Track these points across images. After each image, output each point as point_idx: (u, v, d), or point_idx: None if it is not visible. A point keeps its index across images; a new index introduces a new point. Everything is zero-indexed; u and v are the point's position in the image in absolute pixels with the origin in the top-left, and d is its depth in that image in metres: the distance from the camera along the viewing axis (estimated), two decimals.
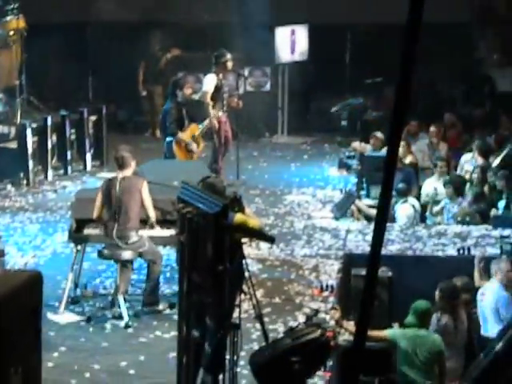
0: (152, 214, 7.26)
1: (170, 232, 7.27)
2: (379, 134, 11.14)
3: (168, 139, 10.06)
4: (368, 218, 9.72)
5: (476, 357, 6.54)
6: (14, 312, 4.61)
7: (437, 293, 6.86)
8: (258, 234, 6.22)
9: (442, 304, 6.82)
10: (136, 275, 7.93)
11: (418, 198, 10.18)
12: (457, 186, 9.74)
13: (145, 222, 7.33)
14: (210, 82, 10.35)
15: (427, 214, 10.06)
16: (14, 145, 11.24)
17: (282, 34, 14.10)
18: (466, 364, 6.78)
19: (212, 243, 5.07)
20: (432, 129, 11.61)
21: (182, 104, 10.10)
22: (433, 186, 10.22)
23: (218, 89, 10.32)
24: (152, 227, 7.32)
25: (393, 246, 8.59)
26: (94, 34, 14.44)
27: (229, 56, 10.44)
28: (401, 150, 10.27)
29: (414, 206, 9.84)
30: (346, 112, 12.90)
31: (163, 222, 7.36)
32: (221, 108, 10.36)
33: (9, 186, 10.97)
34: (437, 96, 14.32)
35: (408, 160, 10.78)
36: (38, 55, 12.06)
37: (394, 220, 9.58)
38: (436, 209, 9.98)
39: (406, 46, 2.72)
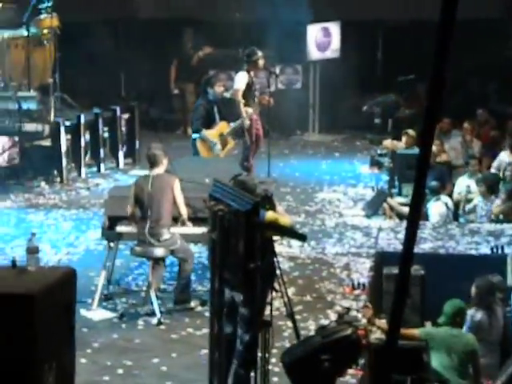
0: (184, 212, 7.28)
1: (201, 229, 7.29)
2: (411, 132, 11.07)
3: (193, 136, 10.11)
4: (400, 216, 9.66)
5: (510, 355, 6.48)
6: (48, 308, 4.66)
7: (473, 289, 6.80)
8: (290, 232, 6.22)
9: (478, 300, 6.76)
10: (168, 272, 7.97)
11: (451, 195, 10.10)
12: (490, 184, 9.65)
13: (176, 220, 7.36)
14: (241, 79, 10.36)
15: (460, 212, 9.98)
16: (47, 143, 11.34)
17: (314, 32, 14.07)
18: (501, 361, 6.72)
19: (243, 241, 5.08)
20: (465, 126, 11.51)
21: (213, 102, 10.11)
22: (465, 184, 10.15)
23: (249, 86, 10.32)
24: (183, 224, 7.34)
25: (425, 245, 8.52)
26: (126, 32, 14.52)
27: (260, 54, 10.43)
28: (434, 147, 10.22)
29: (446, 204, 9.77)
30: (379, 109, 12.82)
31: (195, 220, 7.39)
32: (252, 106, 10.36)
33: (43, 184, 11.08)
34: (469, 93, 14.18)
35: (441, 158, 10.71)
36: (72, 53, 12.15)
37: (427, 218, 9.51)
38: (469, 207, 9.90)
39: (439, 43, 2.70)
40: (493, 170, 10.49)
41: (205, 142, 9.97)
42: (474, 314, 6.72)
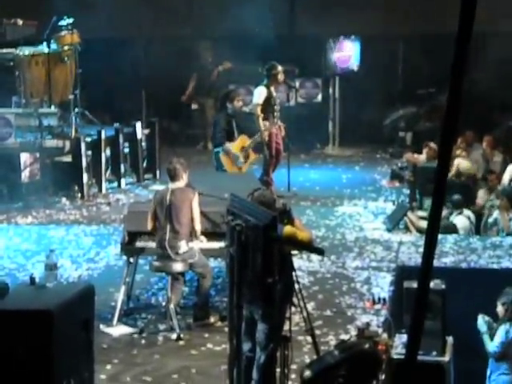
0: (198, 227, 7.25)
1: (220, 244, 7.26)
2: (433, 144, 11.02)
3: (216, 149, 10.14)
4: (420, 231, 9.60)
5: None
6: (67, 324, 4.66)
7: (499, 307, 6.68)
8: (307, 246, 6.18)
9: (510, 314, 6.63)
10: (188, 287, 7.96)
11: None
12: (510, 197, 9.57)
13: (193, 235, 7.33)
14: (260, 94, 10.37)
15: (482, 225, 9.90)
16: (68, 158, 11.39)
17: (334, 46, 14.06)
18: None
19: (261, 256, 5.06)
20: (486, 139, 11.44)
21: (232, 116, 10.15)
22: (486, 197, 10.08)
23: (268, 101, 10.34)
24: (197, 239, 7.30)
25: (447, 258, 8.46)
26: (146, 48, 14.60)
27: (280, 68, 10.46)
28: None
29: (469, 218, 9.70)
30: (403, 123, 12.79)
31: (213, 234, 7.36)
32: (272, 120, 10.36)
33: (63, 199, 11.12)
34: (491, 104, 14.09)
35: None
36: (92, 69, 12.22)
37: (455, 231, 9.42)
38: (489, 221, 9.82)
39: (457, 55, 2.68)
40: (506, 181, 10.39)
41: (228, 155, 10.03)
42: (508, 330, 6.59)
